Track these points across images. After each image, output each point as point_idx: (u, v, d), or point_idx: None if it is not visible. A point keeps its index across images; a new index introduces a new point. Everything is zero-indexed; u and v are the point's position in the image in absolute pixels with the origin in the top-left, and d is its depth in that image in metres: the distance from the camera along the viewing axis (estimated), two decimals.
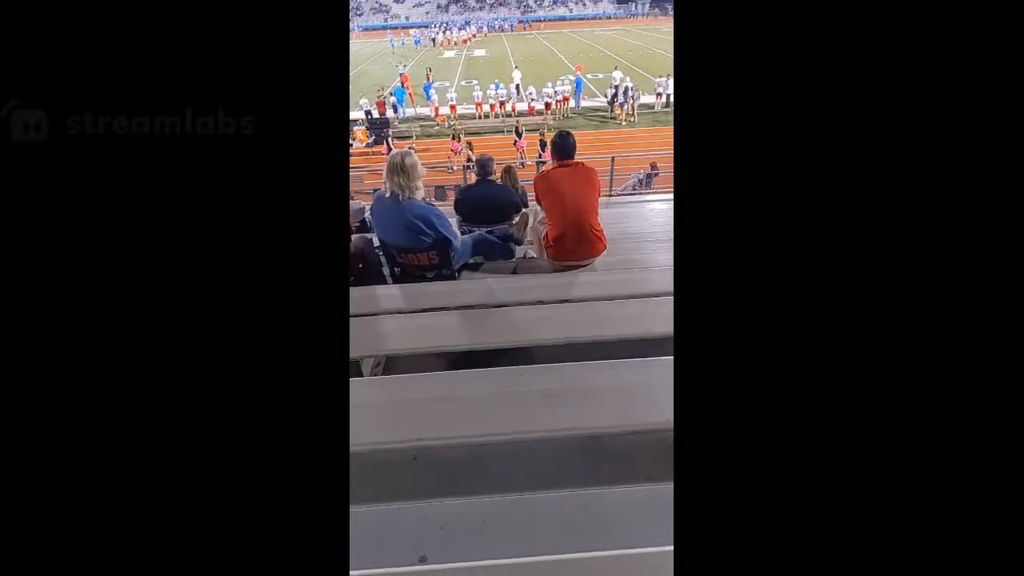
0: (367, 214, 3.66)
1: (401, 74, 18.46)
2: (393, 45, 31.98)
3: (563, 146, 2.84)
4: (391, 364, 2.00)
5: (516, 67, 19.05)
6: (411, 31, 38.67)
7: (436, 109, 15.42)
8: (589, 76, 18.24)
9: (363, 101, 15.18)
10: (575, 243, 2.67)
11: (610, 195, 6.68)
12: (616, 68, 16.12)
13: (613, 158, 7.79)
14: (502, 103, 15.21)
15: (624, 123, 14.11)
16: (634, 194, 7.44)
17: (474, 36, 36.55)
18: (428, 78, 17.09)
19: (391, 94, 16.23)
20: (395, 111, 15.71)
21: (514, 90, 16.07)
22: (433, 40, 34.85)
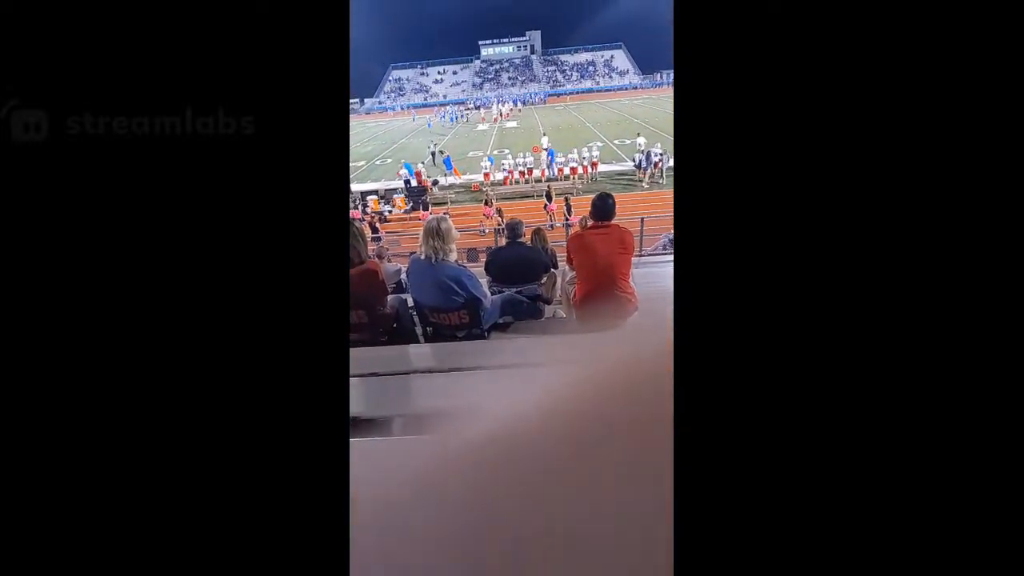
0: (403, 275, 3.74)
1: (432, 152, 19.75)
2: (431, 124, 34.16)
3: (602, 207, 2.85)
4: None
5: (544, 134, 19.96)
6: (444, 108, 41.22)
7: (427, 183, 15.98)
8: (616, 142, 18.82)
9: (402, 171, 16.04)
10: (603, 303, 2.63)
11: (640, 255, 6.66)
12: (639, 134, 16.64)
13: (643, 219, 7.84)
14: (529, 170, 15.76)
15: (646, 184, 14.35)
16: (664, 253, 7.42)
17: (511, 111, 38.26)
18: (443, 152, 18.35)
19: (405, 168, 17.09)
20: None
21: (542, 157, 16.71)
22: (464, 116, 37.04)
